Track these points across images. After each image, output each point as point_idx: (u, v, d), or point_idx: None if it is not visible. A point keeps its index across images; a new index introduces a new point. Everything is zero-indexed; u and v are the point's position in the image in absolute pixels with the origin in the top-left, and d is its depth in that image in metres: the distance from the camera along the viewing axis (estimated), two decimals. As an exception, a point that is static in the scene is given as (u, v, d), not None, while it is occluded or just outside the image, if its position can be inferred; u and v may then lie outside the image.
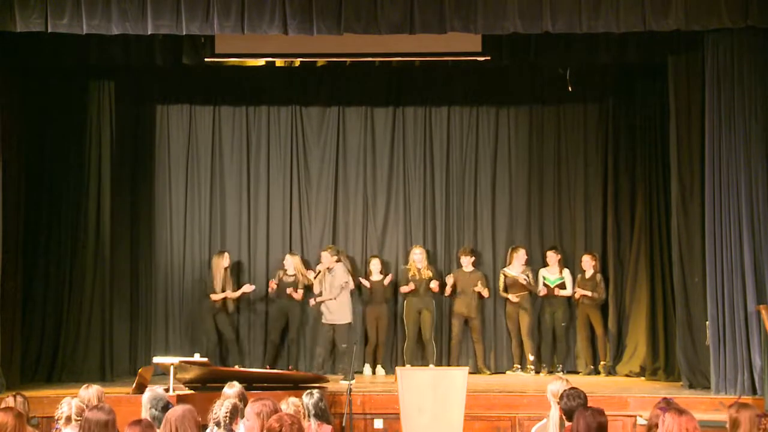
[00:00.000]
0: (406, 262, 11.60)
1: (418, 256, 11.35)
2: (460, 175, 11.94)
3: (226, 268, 11.28)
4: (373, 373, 11.30)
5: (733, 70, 9.41)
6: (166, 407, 5.62)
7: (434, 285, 11.31)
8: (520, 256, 11.40)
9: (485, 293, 11.41)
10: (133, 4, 8.88)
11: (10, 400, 6.06)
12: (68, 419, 5.62)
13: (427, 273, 11.35)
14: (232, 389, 6.45)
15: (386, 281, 11.39)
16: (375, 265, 11.45)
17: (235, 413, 5.48)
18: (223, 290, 11.22)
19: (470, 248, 11.58)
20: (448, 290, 11.40)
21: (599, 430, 4.96)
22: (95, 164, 10.87)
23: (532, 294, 11.40)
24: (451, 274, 11.43)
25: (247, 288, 11.35)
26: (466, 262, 11.41)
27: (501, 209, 11.90)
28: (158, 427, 5.35)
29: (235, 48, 10.47)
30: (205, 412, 5.60)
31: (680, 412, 4.59)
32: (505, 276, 11.44)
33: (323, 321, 11.15)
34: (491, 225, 11.89)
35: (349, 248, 11.87)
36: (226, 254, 11.36)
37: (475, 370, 11.26)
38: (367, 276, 11.49)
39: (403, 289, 11.35)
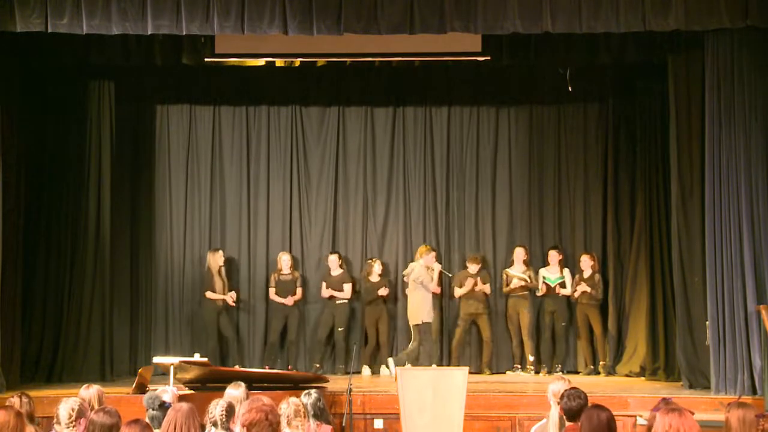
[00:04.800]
0: (406, 262, 11.60)
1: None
2: (460, 175, 11.95)
3: (221, 266, 11.30)
4: (377, 373, 11.28)
5: (733, 70, 9.40)
6: (162, 406, 5.63)
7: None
8: (520, 255, 11.41)
9: (487, 289, 11.41)
10: (133, 4, 8.88)
11: (15, 400, 6.05)
12: (65, 418, 5.61)
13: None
14: (237, 390, 6.39)
15: (384, 293, 11.36)
16: (376, 266, 11.45)
17: (231, 412, 5.47)
18: (222, 288, 11.24)
19: (481, 256, 11.54)
20: (458, 293, 11.40)
21: (609, 423, 4.96)
22: (95, 164, 10.88)
23: (532, 294, 11.41)
24: (470, 278, 11.37)
25: (231, 297, 11.32)
26: (475, 269, 11.38)
27: (501, 209, 11.90)
28: (157, 427, 5.35)
29: (235, 48, 10.48)
30: (205, 412, 5.59)
31: (671, 410, 4.57)
32: (507, 276, 11.45)
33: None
34: (491, 225, 11.90)
35: (349, 248, 11.88)
36: (221, 252, 11.39)
37: (477, 370, 11.26)
38: (366, 277, 11.50)
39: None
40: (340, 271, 11.47)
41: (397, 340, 11.60)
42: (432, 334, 10.98)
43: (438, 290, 11.28)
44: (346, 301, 11.43)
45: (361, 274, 11.59)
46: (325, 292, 11.41)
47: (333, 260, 11.47)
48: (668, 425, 4.48)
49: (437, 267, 11.21)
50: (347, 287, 11.42)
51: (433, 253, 11.21)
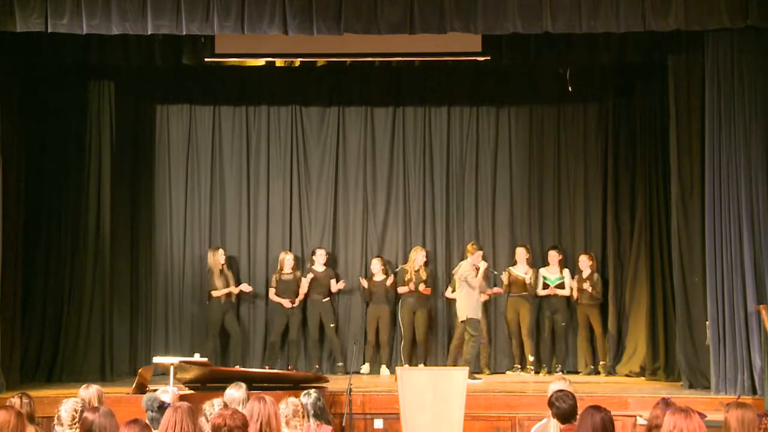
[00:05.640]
0: (406, 261, 11.60)
1: (421, 258, 11.35)
2: (459, 175, 11.95)
3: (223, 265, 11.30)
4: (377, 372, 11.29)
5: (733, 70, 9.41)
6: (161, 407, 5.63)
7: (423, 288, 11.29)
8: (522, 255, 11.41)
9: (484, 297, 11.42)
10: (133, 4, 8.88)
11: (15, 401, 6.05)
12: (67, 420, 5.62)
13: (422, 274, 11.34)
14: (239, 391, 6.38)
15: (388, 282, 11.40)
16: (376, 265, 11.46)
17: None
18: (226, 286, 11.25)
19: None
20: (450, 295, 11.38)
21: (607, 424, 4.95)
22: (95, 164, 10.88)
23: (532, 294, 11.41)
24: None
25: (245, 287, 11.37)
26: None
27: (501, 209, 11.90)
28: (156, 428, 5.35)
29: (235, 48, 10.48)
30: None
31: (678, 411, 4.58)
32: (510, 274, 11.45)
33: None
34: (491, 225, 11.90)
35: (349, 248, 11.88)
36: (221, 250, 11.39)
37: (476, 371, 11.25)
38: (369, 276, 11.50)
39: (401, 289, 11.36)
40: (324, 268, 11.46)
41: (397, 340, 11.59)
42: (479, 331, 10.87)
43: (479, 286, 10.83)
44: (329, 298, 11.44)
45: (368, 275, 11.61)
46: (304, 288, 11.35)
47: (320, 254, 11.44)
48: (672, 425, 4.49)
49: (483, 265, 10.99)
50: (333, 283, 11.43)
51: (480, 252, 11.00)
